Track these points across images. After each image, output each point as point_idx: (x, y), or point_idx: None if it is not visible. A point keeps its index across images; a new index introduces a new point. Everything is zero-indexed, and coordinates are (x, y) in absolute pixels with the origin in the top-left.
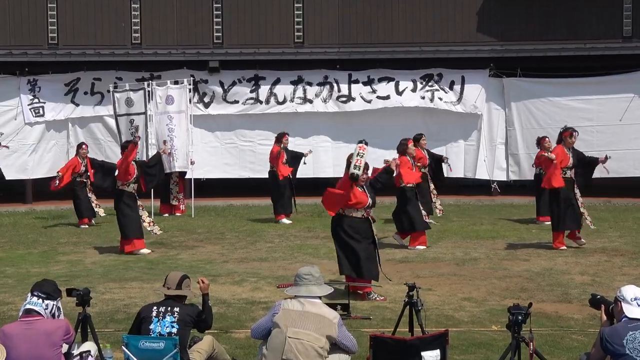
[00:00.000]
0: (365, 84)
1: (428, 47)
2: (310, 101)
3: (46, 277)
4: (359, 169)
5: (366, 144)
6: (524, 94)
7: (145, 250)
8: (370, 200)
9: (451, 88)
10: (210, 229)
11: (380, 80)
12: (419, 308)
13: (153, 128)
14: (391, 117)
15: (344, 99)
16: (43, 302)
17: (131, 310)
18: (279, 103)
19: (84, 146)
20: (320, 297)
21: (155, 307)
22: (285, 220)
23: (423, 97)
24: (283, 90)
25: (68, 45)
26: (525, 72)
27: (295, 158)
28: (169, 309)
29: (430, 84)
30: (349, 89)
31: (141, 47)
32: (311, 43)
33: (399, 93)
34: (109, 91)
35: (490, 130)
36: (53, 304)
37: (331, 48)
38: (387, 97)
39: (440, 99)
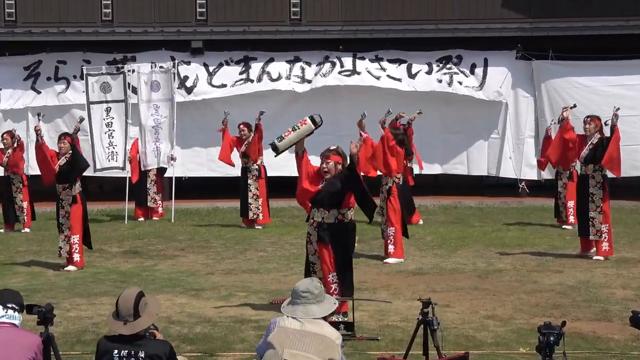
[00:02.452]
0: (372, 61)
1: (445, 24)
2: (309, 81)
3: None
4: (281, 139)
5: (314, 122)
6: (556, 78)
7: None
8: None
9: (472, 72)
10: (192, 236)
11: (390, 61)
12: (435, 327)
13: (136, 118)
14: (402, 104)
15: (347, 72)
16: (18, 314)
17: (101, 330)
18: (272, 80)
19: (5, 135)
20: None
21: (116, 351)
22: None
23: (440, 81)
24: (277, 68)
25: (28, 23)
26: (558, 54)
27: None
28: (133, 352)
29: (448, 67)
30: (354, 63)
31: (113, 25)
32: (310, 20)
33: (412, 76)
34: (75, 76)
35: (517, 120)
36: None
37: (333, 26)
38: (399, 80)
39: (460, 82)
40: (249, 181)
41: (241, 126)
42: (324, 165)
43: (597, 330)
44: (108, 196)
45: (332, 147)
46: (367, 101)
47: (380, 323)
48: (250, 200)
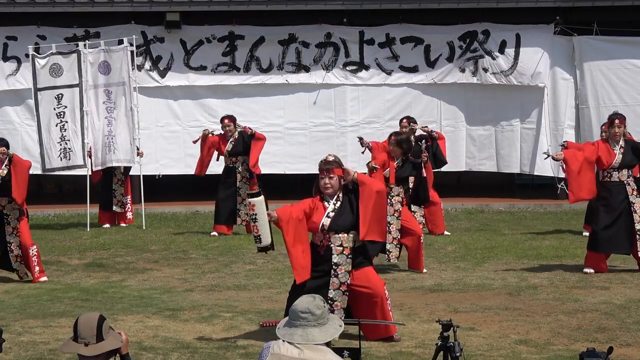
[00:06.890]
0: (382, 45)
1: None
2: (307, 68)
3: None
4: (259, 240)
5: (258, 195)
6: (602, 57)
7: None
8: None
9: (502, 51)
10: (168, 246)
11: (403, 40)
12: (457, 354)
13: (89, 106)
14: (419, 96)
15: (353, 67)
16: None
17: (59, 357)
18: (262, 71)
19: None
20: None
21: None
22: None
23: (462, 70)
24: (268, 52)
25: None
26: (604, 28)
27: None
28: None
29: (472, 47)
30: (361, 51)
31: None
32: None
33: (430, 63)
34: (27, 55)
35: (555, 108)
36: None
37: None
38: (415, 69)
39: (486, 70)
40: (238, 184)
41: (225, 120)
42: (327, 181)
43: None
44: (67, 198)
45: (330, 159)
46: (377, 91)
47: (392, 349)
48: (239, 206)
